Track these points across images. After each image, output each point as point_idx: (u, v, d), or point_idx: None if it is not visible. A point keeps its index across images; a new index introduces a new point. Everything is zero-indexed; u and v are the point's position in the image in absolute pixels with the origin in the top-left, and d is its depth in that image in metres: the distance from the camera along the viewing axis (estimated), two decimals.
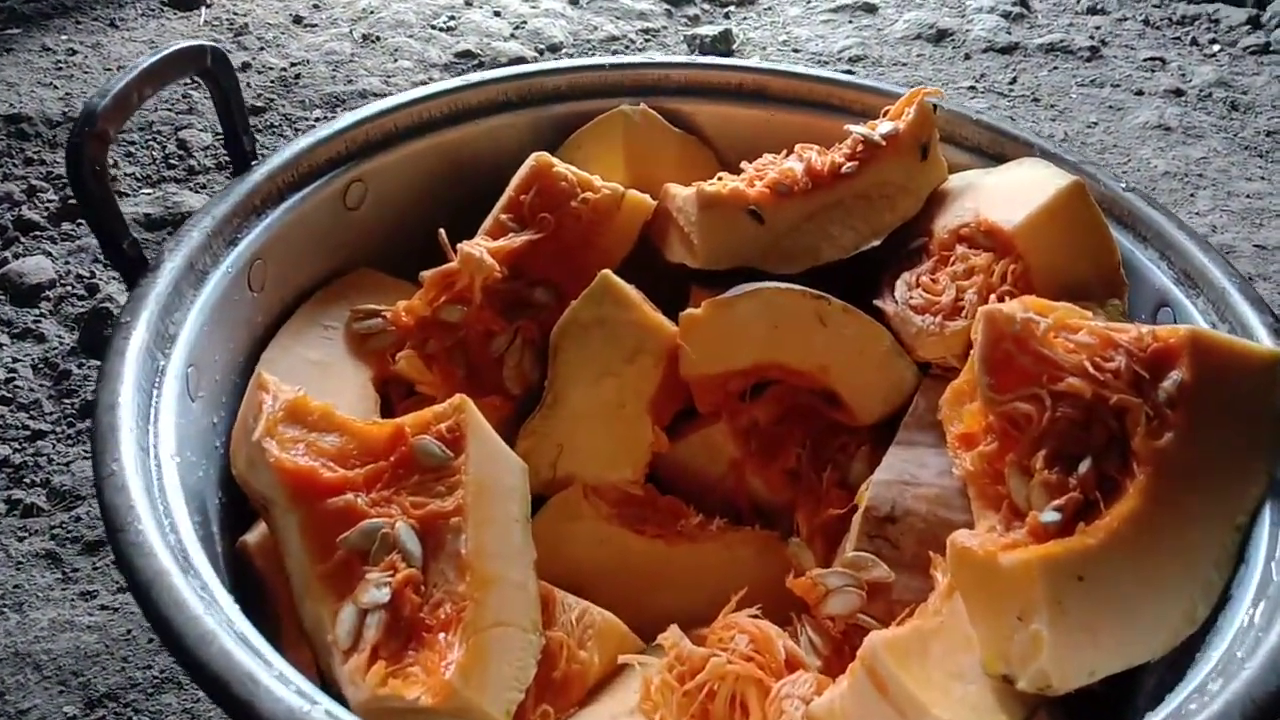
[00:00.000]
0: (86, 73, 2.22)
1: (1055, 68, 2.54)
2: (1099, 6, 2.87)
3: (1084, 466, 0.72)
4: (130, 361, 0.74)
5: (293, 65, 2.32)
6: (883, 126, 1.01)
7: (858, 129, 1.01)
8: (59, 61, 2.24)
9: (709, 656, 0.76)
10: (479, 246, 0.93)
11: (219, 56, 0.91)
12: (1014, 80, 2.48)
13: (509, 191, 0.99)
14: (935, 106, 1.03)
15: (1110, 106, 2.39)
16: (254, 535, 0.80)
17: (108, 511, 0.63)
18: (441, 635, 0.69)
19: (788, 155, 1.04)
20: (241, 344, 0.90)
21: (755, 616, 0.81)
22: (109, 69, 2.24)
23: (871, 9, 2.80)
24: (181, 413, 0.77)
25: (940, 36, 2.66)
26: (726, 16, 2.77)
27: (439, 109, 1.07)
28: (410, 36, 2.49)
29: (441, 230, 0.95)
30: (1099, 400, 0.73)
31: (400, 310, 0.93)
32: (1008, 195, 0.94)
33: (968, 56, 2.59)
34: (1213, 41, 2.71)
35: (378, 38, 2.46)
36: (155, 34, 2.43)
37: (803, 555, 0.89)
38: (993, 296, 0.87)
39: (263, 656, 0.57)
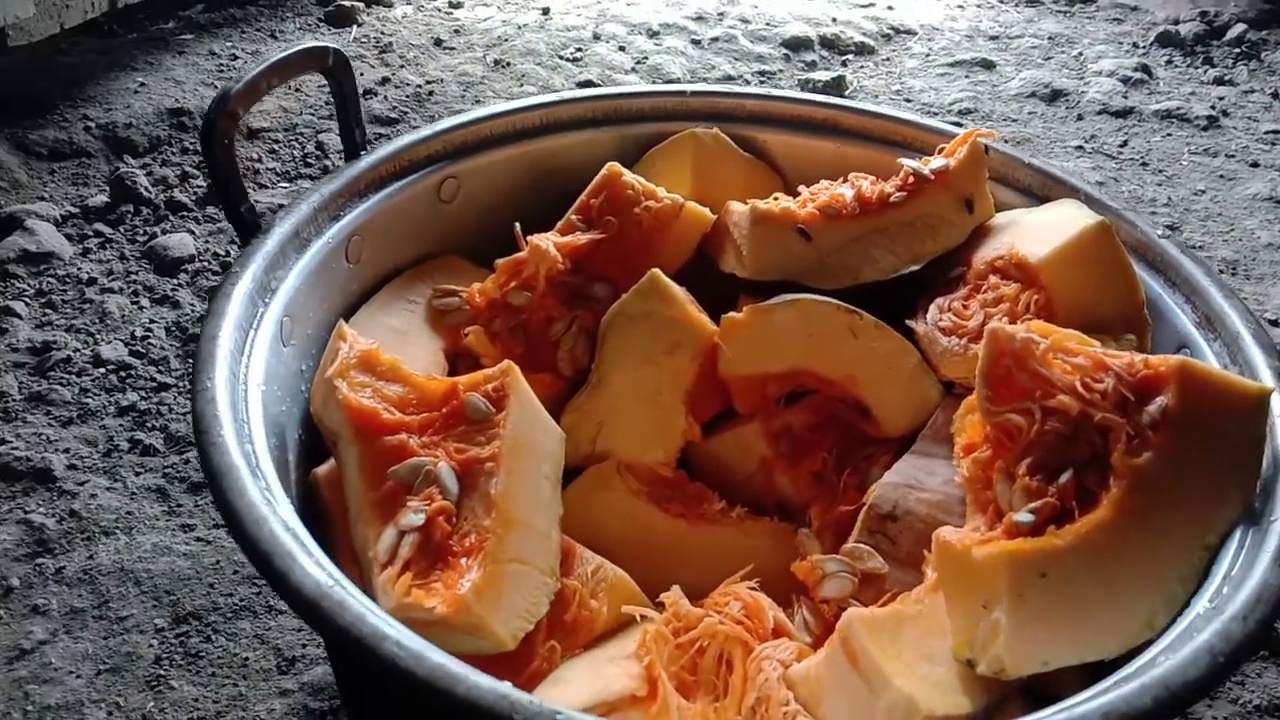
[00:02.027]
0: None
1: (1169, 134, 2.53)
2: (1226, 78, 2.84)
3: (1064, 477, 0.78)
4: (234, 303, 0.87)
5: (428, 83, 2.50)
6: (934, 162, 1.08)
7: (909, 162, 1.08)
8: (221, 65, 2.48)
9: (703, 616, 0.84)
10: (547, 240, 1.03)
11: (340, 58, 1.04)
12: (1125, 144, 2.48)
13: (582, 195, 1.10)
14: (987, 148, 1.09)
15: (1221, 176, 2.37)
16: (324, 469, 0.92)
17: (197, 419, 0.76)
18: (464, 560, 0.78)
19: (843, 183, 1.12)
20: (335, 306, 1.02)
21: (753, 589, 0.88)
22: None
23: (990, 65, 2.84)
24: (273, 353, 0.89)
25: (1054, 96, 2.68)
26: (843, 64, 2.85)
27: (531, 120, 1.19)
28: (538, 64, 2.65)
29: (517, 223, 1.06)
30: (1085, 417, 0.78)
31: (474, 292, 1.05)
32: (1040, 232, 1.00)
33: (1080, 117, 2.60)
34: None
35: (508, 63, 2.63)
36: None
37: (810, 545, 0.96)
38: (1006, 322, 0.93)
39: (305, 545, 0.68)
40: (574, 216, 1.09)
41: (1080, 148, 2.46)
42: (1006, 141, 1.16)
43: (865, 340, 1.01)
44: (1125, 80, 2.76)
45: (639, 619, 0.85)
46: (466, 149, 1.15)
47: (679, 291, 1.02)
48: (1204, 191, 2.30)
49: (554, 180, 1.20)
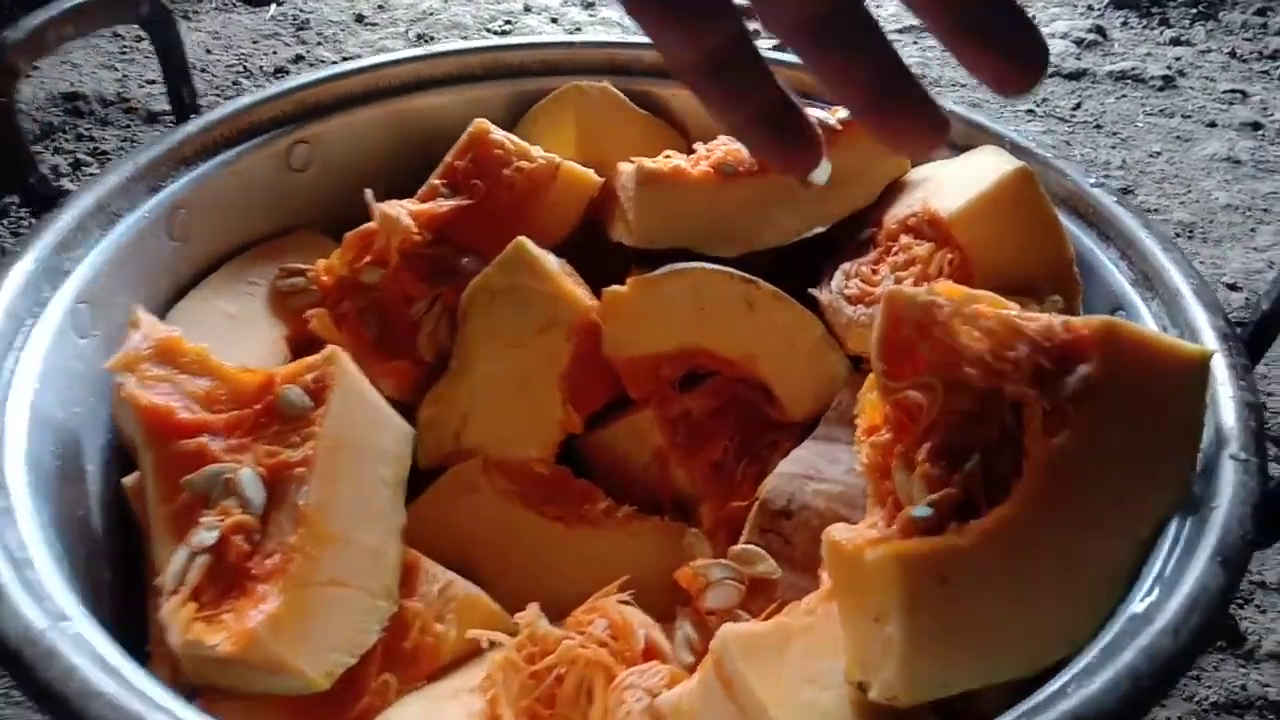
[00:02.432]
0: (148, 58, 2.30)
1: (1123, 95, 2.42)
2: (1183, 38, 2.73)
3: (971, 463, 0.66)
4: (6, 289, 0.74)
5: (344, 60, 2.36)
6: (842, 111, 0.96)
7: (815, 111, 0.96)
8: (125, 47, 2.33)
9: (562, 639, 0.72)
10: (399, 207, 0.91)
11: (158, 6, 0.91)
12: (1077, 106, 2.37)
13: (447, 157, 0.97)
14: None
15: (1178, 137, 2.26)
16: (133, 478, 0.79)
17: None
18: (264, 585, 0.66)
19: None
20: (158, 291, 0.90)
21: (625, 603, 0.76)
22: None
23: None
24: (61, 346, 0.76)
25: None
26: None
27: (396, 77, 1.06)
28: (463, 38, 2.51)
29: (368, 190, 0.93)
30: (995, 392, 0.67)
31: (320, 269, 0.92)
32: (955, 184, 0.88)
33: None
34: None
35: (431, 38, 2.49)
36: (221, 26, 2.51)
37: (699, 547, 0.84)
38: (913, 285, 0.81)
39: (24, 573, 0.55)
40: (437, 180, 0.96)
41: (1031, 111, 2.35)
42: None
43: (763, 312, 0.89)
44: (1079, 42, 2.65)
45: (485, 645, 0.72)
46: (321, 110, 1.02)
47: (551, 262, 0.89)
48: (1160, 153, 2.20)
49: (428, 145, 1.07)
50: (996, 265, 0.83)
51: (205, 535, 0.67)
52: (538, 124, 1.06)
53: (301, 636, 0.65)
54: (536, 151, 0.96)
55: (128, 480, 0.79)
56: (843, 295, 0.89)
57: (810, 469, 0.80)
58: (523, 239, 0.88)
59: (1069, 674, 0.54)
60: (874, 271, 0.89)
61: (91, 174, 1.92)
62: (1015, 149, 0.94)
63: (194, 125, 0.93)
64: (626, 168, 0.98)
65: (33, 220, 1.70)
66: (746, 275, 0.88)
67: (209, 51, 2.38)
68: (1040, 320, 0.69)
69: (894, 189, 0.96)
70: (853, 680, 0.64)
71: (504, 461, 0.89)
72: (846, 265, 0.91)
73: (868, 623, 0.63)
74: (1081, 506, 0.63)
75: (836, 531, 0.68)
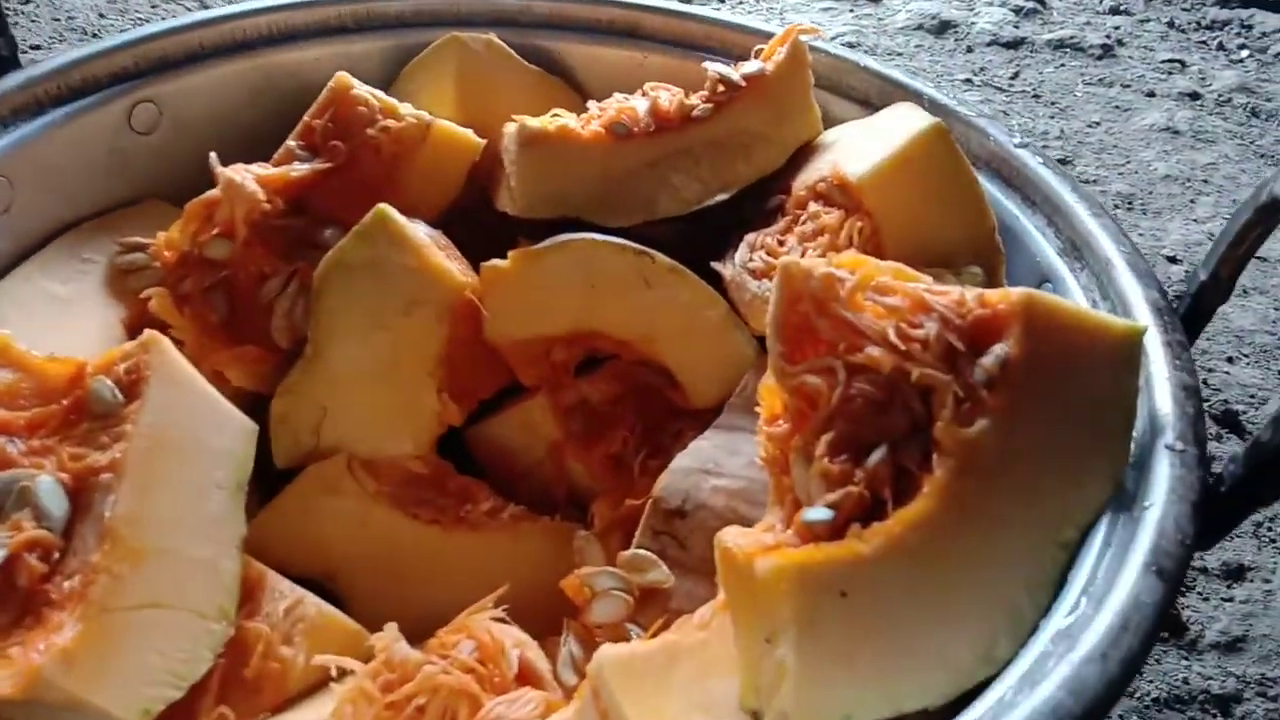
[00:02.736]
0: (34, 21, 2.14)
1: (1062, 64, 2.37)
2: (1122, 7, 2.69)
3: (875, 457, 0.58)
4: None
5: None
6: (747, 66, 0.88)
7: (717, 67, 0.87)
8: (11, 9, 2.16)
9: (423, 664, 0.63)
10: (245, 173, 0.80)
11: None
12: (1016, 75, 2.31)
13: (305, 116, 0.87)
14: (813, 48, 0.89)
15: (1116, 107, 2.21)
16: None
17: None
18: (61, 614, 0.56)
19: (639, 95, 0.91)
20: None
21: (501, 619, 0.67)
22: (57, 19, 2.17)
23: None
24: None
25: (943, 28, 2.49)
26: (722, 0, 2.64)
27: (257, 28, 0.95)
28: None
29: (213, 154, 0.83)
30: (901, 376, 0.58)
31: (161, 243, 0.81)
32: (865, 144, 0.80)
33: (969, 49, 2.42)
34: (1242, 47, 2.52)
35: None
36: None
37: (589, 550, 0.75)
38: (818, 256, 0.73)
39: None
40: (293, 142, 0.86)
41: (969, 80, 2.28)
42: None
43: (660, 289, 0.80)
44: (1017, 10, 2.59)
45: (334, 673, 0.63)
46: (168, 65, 0.92)
47: (418, 233, 0.80)
48: (1099, 123, 2.15)
49: (295, 104, 0.96)
50: (910, 233, 0.76)
51: None
52: (414, 80, 0.96)
53: (104, 671, 0.55)
54: (405, 109, 0.86)
55: None
56: (747, 269, 0.80)
57: (709, 463, 0.72)
58: (384, 206, 0.78)
59: (981, 708, 0.46)
60: (780, 243, 0.81)
61: None
62: (934, 106, 0.87)
63: (11, 82, 0.82)
64: (510, 128, 0.88)
65: None
66: (641, 247, 0.80)
67: (102, 15, 2.22)
68: (952, 294, 0.61)
69: (805, 152, 0.87)
70: (747, 708, 0.56)
71: (373, 460, 0.79)
72: (751, 236, 0.83)
73: (761, 643, 0.55)
74: (999, 505, 0.55)
75: (728, 536, 0.59)
